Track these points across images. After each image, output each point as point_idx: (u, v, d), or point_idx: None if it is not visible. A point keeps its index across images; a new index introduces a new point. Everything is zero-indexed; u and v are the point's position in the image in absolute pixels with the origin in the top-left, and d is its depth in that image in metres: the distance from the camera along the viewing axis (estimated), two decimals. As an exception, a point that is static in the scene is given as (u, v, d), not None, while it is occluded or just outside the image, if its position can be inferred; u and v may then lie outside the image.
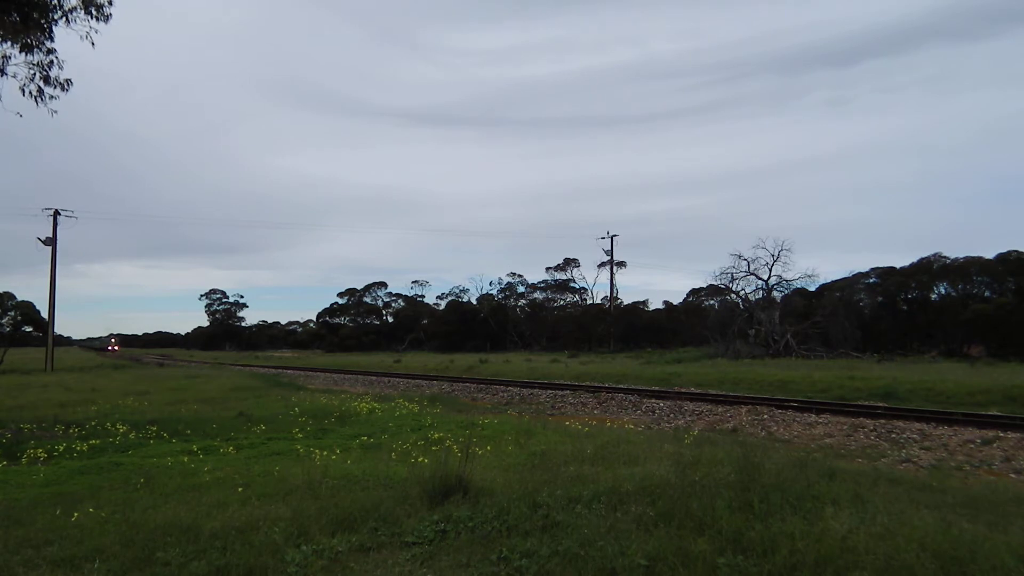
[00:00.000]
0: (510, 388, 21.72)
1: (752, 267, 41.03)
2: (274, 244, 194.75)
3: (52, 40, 11.91)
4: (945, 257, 40.94)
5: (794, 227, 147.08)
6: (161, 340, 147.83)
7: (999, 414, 12.86)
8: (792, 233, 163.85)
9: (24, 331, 52.50)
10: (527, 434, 10.05)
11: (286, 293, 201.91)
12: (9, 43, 11.56)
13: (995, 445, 10.35)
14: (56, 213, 42.30)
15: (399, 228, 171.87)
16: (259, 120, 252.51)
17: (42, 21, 11.50)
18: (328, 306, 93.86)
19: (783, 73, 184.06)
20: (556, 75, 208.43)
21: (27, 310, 49.65)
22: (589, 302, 70.49)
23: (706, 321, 45.25)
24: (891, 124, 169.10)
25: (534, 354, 51.85)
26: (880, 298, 43.79)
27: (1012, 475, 8.75)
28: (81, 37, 11.93)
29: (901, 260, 79.70)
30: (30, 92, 12.05)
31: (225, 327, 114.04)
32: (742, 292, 43.12)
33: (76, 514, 5.51)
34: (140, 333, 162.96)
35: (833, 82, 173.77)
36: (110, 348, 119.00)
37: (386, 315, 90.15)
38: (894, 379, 18.43)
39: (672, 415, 15.28)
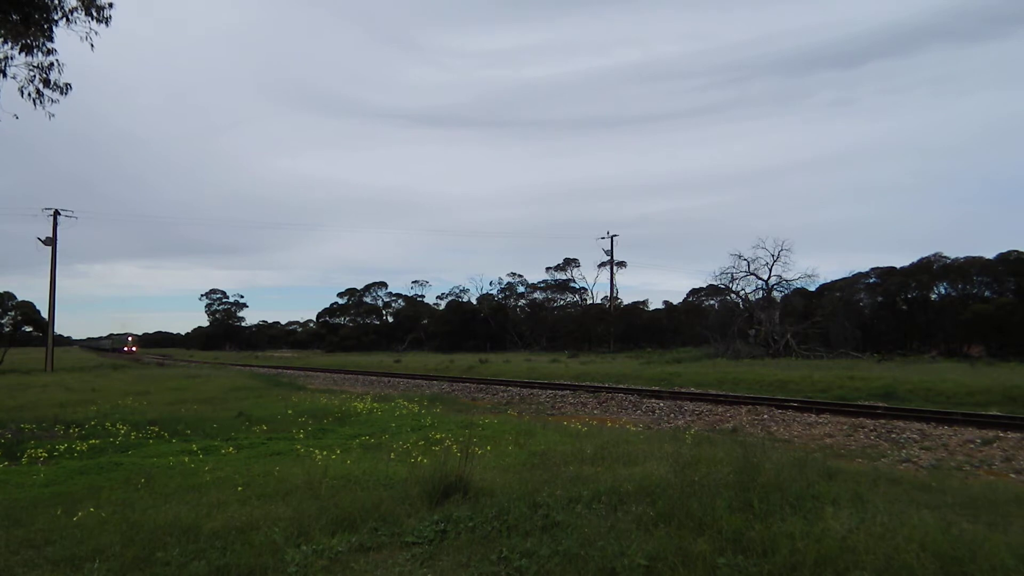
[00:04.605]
0: (510, 388, 21.72)
1: (752, 267, 41.06)
2: (274, 244, 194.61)
3: (52, 41, 11.92)
4: (945, 257, 40.96)
5: (794, 227, 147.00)
6: (161, 340, 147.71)
7: (999, 414, 12.86)
8: (792, 233, 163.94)
9: (24, 331, 52.59)
10: (527, 434, 10.06)
11: (286, 293, 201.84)
12: (9, 44, 11.57)
13: (995, 445, 10.35)
14: (56, 213, 42.30)
15: (399, 228, 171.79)
16: (260, 122, 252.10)
17: (43, 22, 11.51)
18: (328, 306, 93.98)
19: (788, 74, 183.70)
20: (559, 76, 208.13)
21: (27, 310, 49.70)
22: (589, 302, 70.54)
23: (706, 321, 45.27)
24: (894, 125, 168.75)
25: (534, 354, 51.85)
26: (880, 298, 43.79)
27: (1012, 475, 8.74)
28: (81, 38, 11.95)
29: (901, 260, 79.76)
30: (29, 94, 12.06)
31: (225, 327, 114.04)
32: (742, 292, 43.17)
33: (77, 514, 5.52)
34: (140, 333, 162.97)
35: (838, 83, 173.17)
36: (126, 349, 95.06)
37: (386, 315, 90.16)
38: (894, 379, 18.44)
39: (672, 415, 15.27)
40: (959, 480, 7.38)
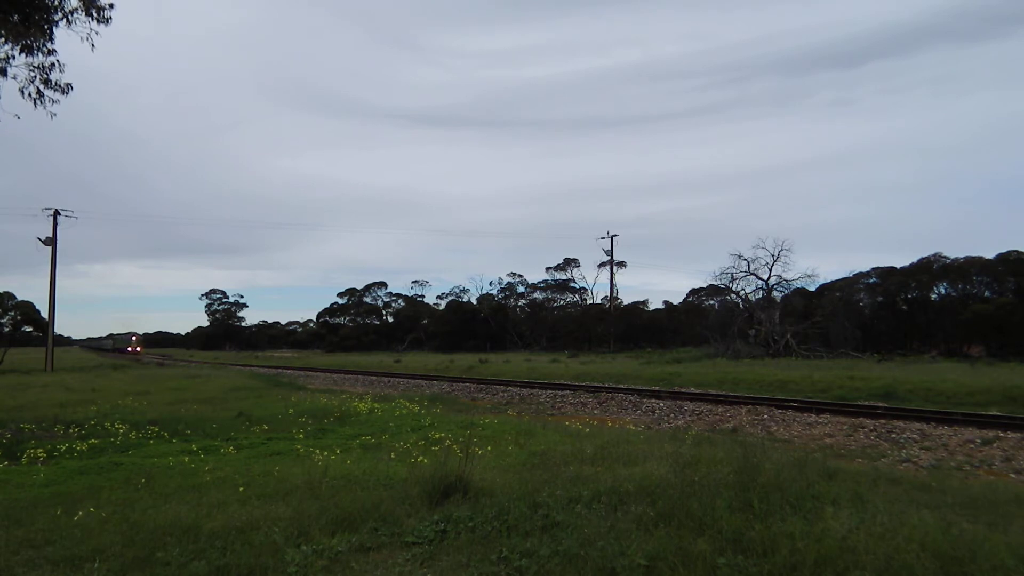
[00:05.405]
0: (510, 388, 21.73)
1: (752, 267, 41.09)
2: (275, 244, 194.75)
3: (52, 41, 11.93)
4: (945, 257, 40.97)
5: (794, 227, 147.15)
6: (161, 340, 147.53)
7: (999, 414, 12.86)
8: (792, 233, 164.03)
9: (24, 331, 52.56)
10: (527, 434, 10.06)
11: (286, 293, 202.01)
12: (10, 44, 11.57)
13: (995, 445, 10.35)
14: (56, 213, 42.30)
15: (400, 228, 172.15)
16: (260, 121, 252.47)
17: (43, 23, 11.51)
18: (328, 306, 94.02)
19: (788, 74, 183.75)
20: (559, 76, 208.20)
21: (27, 310, 49.68)
22: (589, 302, 70.58)
23: (706, 321, 45.29)
24: (894, 125, 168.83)
25: (534, 354, 51.85)
26: (880, 298, 43.80)
27: (1012, 475, 8.75)
28: (82, 39, 11.96)
29: (901, 260, 79.81)
30: (29, 94, 12.06)
31: (225, 327, 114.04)
32: (742, 292, 43.19)
33: (77, 514, 5.51)
34: (140, 333, 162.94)
35: (838, 83, 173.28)
36: (130, 349, 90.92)
37: (386, 315, 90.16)
38: (894, 379, 18.44)
39: (672, 415, 15.27)
40: (959, 480, 7.38)
